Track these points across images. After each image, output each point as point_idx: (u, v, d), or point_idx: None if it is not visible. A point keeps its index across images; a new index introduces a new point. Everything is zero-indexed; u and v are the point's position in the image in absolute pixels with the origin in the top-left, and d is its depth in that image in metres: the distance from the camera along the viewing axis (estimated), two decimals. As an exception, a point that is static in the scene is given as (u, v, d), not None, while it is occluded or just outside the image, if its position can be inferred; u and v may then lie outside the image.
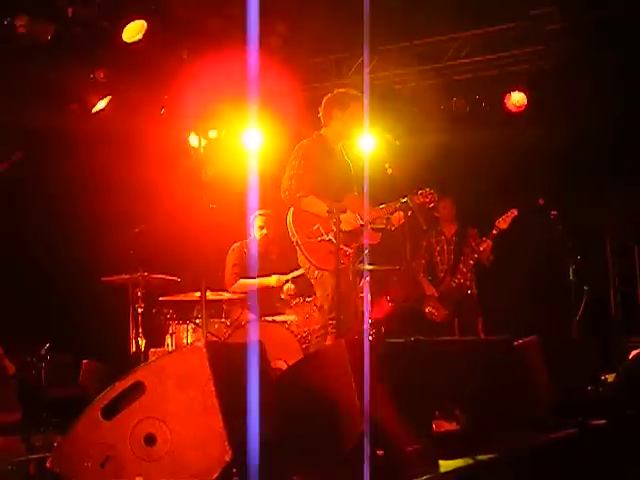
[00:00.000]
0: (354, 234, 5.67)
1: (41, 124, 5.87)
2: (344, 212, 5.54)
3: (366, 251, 5.79)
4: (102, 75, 5.15)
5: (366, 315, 6.31)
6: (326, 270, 5.57)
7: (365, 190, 5.32)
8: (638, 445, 4.73)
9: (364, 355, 4.25)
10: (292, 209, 5.63)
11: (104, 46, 6.46)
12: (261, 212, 7.29)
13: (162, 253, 7.40)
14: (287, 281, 7.13)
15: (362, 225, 5.65)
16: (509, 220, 7.54)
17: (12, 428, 4.76)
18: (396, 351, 4.75)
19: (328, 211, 5.36)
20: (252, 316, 7.06)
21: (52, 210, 6.35)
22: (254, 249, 7.40)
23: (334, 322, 5.46)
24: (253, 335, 6.10)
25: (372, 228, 5.79)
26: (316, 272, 5.63)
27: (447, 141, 8.33)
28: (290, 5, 7.14)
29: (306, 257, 5.62)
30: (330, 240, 5.50)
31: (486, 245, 7.63)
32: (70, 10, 6.14)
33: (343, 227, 5.45)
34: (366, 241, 5.69)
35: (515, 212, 7.52)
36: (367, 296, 6.59)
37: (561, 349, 5.55)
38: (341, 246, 5.46)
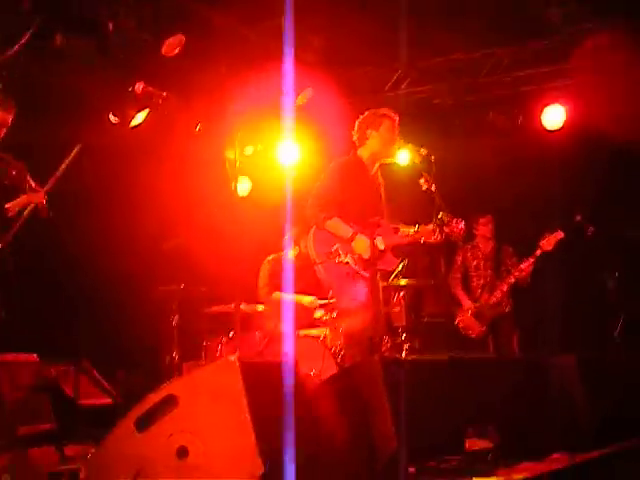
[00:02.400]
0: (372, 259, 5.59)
1: (79, 137, 5.93)
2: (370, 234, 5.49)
3: (400, 265, 5.78)
4: (141, 88, 5.19)
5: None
6: (343, 292, 5.58)
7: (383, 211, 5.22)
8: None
9: (398, 372, 4.24)
10: (314, 227, 5.62)
11: (143, 60, 6.53)
12: (298, 229, 7.28)
13: (197, 266, 7.43)
14: (319, 305, 7.10)
15: (382, 250, 5.60)
16: (554, 242, 7.45)
17: (47, 438, 4.79)
18: (430, 368, 4.73)
19: (354, 233, 5.36)
20: (286, 329, 7.05)
21: (90, 222, 6.42)
22: (289, 263, 7.39)
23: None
24: (288, 349, 6.09)
25: (395, 253, 5.74)
26: (330, 292, 5.63)
27: (485, 157, 8.29)
28: (326, 19, 7.15)
29: (323, 277, 5.61)
30: (347, 263, 5.48)
31: (527, 265, 7.56)
32: (111, 24, 6.21)
33: (361, 253, 5.45)
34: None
35: (561, 234, 7.43)
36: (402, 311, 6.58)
37: (599, 368, 5.47)
38: (359, 270, 5.46)
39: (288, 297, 7.14)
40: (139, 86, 5.20)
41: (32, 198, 5.40)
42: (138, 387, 6.61)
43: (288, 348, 6.13)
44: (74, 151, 5.44)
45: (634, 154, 7.78)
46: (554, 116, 8.20)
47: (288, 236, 7.34)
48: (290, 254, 7.43)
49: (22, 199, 5.40)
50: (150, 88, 5.23)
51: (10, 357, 5.43)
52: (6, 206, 5.40)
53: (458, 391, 4.67)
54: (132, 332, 7.59)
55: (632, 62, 7.37)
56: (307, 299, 7.18)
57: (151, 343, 7.21)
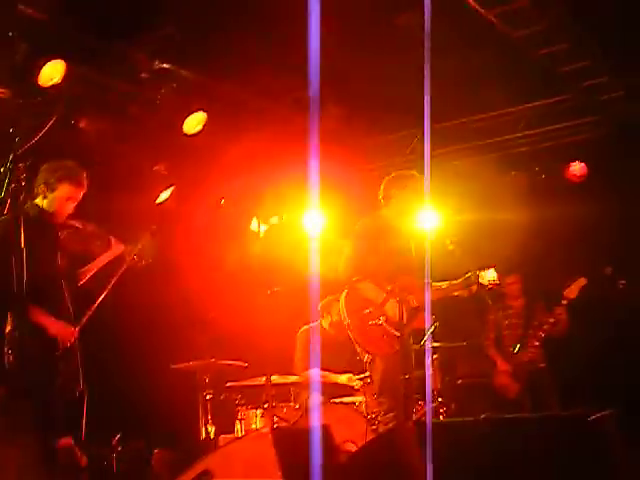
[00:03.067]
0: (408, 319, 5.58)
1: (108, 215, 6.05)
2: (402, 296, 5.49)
3: (433, 327, 5.75)
4: (164, 167, 5.30)
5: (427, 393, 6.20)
6: (376, 354, 5.57)
7: (427, 269, 5.30)
8: None
9: (433, 436, 4.18)
10: (345, 292, 5.64)
11: (165, 138, 6.65)
12: (330, 298, 7.29)
13: (229, 339, 7.44)
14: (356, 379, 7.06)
15: (415, 308, 5.59)
16: (577, 289, 7.42)
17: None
18: (466, 430, 4.66)
19: (387, 296, 5.36)
20: (319, 398, 7.00)
21: (120, 295, 6.45)
22: (317, 334, 7.37)
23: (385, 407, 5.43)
24: (317, 418, 6.04)
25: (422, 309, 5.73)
26: (366, 356, 5.62)
27: (509, 215, 8.30)
28: (346, 86, 7.26)
29: (356, 341, 5.62)
30: (381, 325, 5.48)
31: (560, 314, 7.50)
32: (132, 109, 6.36)
33: (394, 316, 5.45)
34: (428, 321, 5.62)
35: (584, 281, 7.41)
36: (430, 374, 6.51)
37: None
38: (392, 330, 5.45)
39: (324, 374, 7.09)
40: (161, 167, 5.29)
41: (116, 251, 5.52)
42: (176, 464, 6.56)
43: (318, 417, 6.07)
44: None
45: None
46: (576, 170, 8.22)
47: (318, 306, 7.34)
48: (324, 323, 7.43)
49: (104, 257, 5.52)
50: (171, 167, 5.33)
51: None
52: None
53: (496, 452, 4.60)
54: (167, 407, 7.56)
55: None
56: (343, 377, 7.14)
57: (187, 417, 7.17)
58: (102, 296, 5.41)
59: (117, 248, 5.62)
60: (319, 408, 6.62)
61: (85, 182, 5.33)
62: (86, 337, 5.31)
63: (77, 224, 5.46)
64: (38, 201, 5.25)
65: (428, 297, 5.61)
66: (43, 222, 5.23)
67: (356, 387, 6.96)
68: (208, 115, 6.84)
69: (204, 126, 6.74)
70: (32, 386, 4.83)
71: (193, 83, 6.82)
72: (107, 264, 5.60)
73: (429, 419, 6.39)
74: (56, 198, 5.24)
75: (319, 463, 3.52)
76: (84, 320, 5.32)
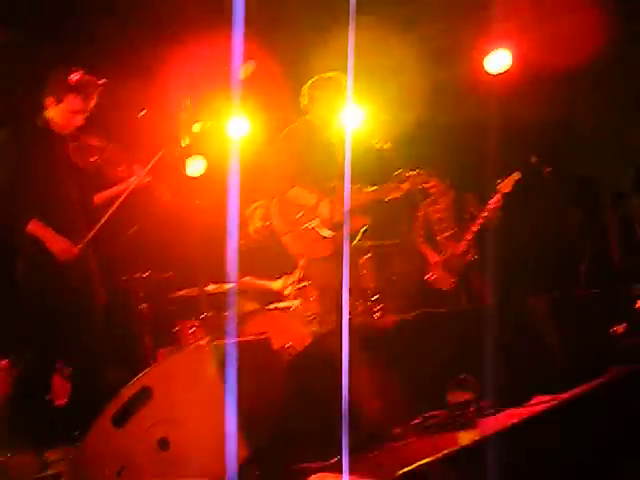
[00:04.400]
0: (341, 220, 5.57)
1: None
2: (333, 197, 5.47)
3: (363, 229, 5.75)
4: (76, 78, 5.09)
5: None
6: (312, 257, 5.57)
7: (347, 172, 5.25)
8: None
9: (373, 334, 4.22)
10: (275, 200, 5.59)
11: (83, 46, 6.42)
12: (261, 203, 7.21)
13: (159, 252, 7.33)
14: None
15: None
16: (511, 184, 7.49)
17: (24, 445, 4.72)
18: (403, 327, 4.73)
19: (318, 199, 5.33)
20: (254, 306, 7.00)
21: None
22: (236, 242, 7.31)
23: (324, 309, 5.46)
24: (257, 326, 6.05)
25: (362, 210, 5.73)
26: (301, 260, 5.62)
27: (433, 113, 8.22)
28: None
29: (290, 246, 5.60)
30: (314, 228, 5.47)
31: (490, 208, 7.56)
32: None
33: (327, 217, 5.42)
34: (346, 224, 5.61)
35: (518, 175, 7.47)
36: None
37: (571, 306, 5.52)
38: (328, 233, 5.43)
39: (258, 283, 7.07)
40: (74, 76, 5.09)
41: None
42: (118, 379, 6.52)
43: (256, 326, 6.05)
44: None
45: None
46: (498, 60, 8.12)
47: (250, 212, 7.26)
48: (250, 230, 7.37)
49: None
50: (86, 77, 5.13)
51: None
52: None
53: (434, 345, 4.69)
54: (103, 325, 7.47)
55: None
56: (277, 284, 7.13)
57: (123, 333, 7.11)
58: (105, 217, 5.27)
59: (142, 176, 5.45)
60: (255, 315, 6.63)
61: (95, 93, 5.23)
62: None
63: (94, 141, 5.34)
64: (46, 113, 5.20)
65: (347, 196, 5.59)
66: (49, 134, 5.17)
67: (286, 293, 6.97)
68: (129, 21, 6.61)
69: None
70: (39, 294, 5.00)
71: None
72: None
73: (366, 319, 6.47)
74: (63, 110, 5.17)
75: (258, 373, 3.52)
76: (86, 239, 5.19)
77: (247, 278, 7.20)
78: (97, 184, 5.54)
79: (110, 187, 5.56)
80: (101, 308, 5.41)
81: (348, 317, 5.13)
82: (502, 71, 7.95)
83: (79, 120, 5.28)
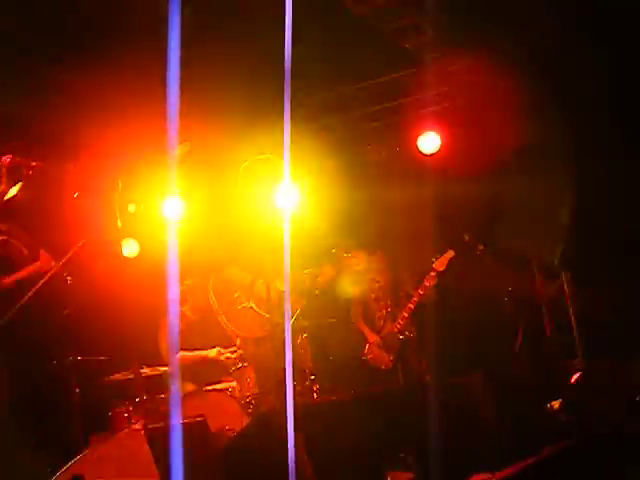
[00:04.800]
0: (277, 301, 5.60)
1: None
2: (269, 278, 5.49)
3: (297, 312, 5.76)
4: (7, 161, 5.07)
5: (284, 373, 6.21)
6: (248, 337, 5.56)
7: (286, 252, 5.25)
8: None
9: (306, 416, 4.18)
10: (212, 279, 5.60)
11: (8, 132, 6.39)
12: (188, 282, 7.16)
13: (93, 335, 7.20)
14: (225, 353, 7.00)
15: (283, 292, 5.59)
16: (446, 261, 7.59)
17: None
18: (339, 407, 4.70)
19: (254, 278, 5.35)
20: (193, 387, 6.90)
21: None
22: (176, 321, 7.24)
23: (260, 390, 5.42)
24: (194, 408, 5.94)
25: (297, 293, 5.75)
26: (238, 340, 5.61)
27: (369, 193, 8.34)
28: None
29: (227, 325, 5.59)
30: (251, 307, 5.48)
31: (425, 287, 7.64)
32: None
33: (263, 296, 5.43)
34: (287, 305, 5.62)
35: (452, 253, 7.58)
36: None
37: (507, 382, 5.56)
38: (262, 313, 5.44)
39: (192, 354, 6.99)
40: (6, 159, 5.05)
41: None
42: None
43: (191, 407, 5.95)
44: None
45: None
46: (429, 142, 8.32)
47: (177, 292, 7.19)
48: (185, 309, 7.31)
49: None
50: (18, 159, 5.10)
51: None
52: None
53: (372, 425, 4.66)
54: (34, 410, 7.26)
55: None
56: (213, 351, 7.06)
57: (54, 420, 6.91)
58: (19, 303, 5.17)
59: (46, 264, 5.38)
60: (193, 396, 6.53)
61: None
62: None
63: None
64: None
65: (287, 278, 5.59)
66: None
67: (223, 359, 6.89)
68: (55, 102, 6.59)
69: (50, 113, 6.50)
70: None
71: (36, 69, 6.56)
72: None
73: (290, 403, 6.41)
74: None
75: (195, 457, 3.45)
76: None
77: (180, 353, 7.11)
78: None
79: (15, 271, 5.48)
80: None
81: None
82: (434, 151, 8.14)
83: None
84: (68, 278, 5.59)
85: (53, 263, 5.45)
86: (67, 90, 6.83)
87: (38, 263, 5.42)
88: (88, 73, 6.75)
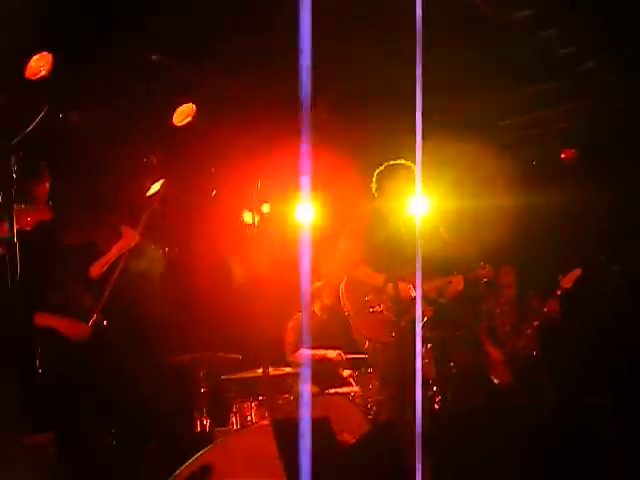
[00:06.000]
0: (406, 306, 5.57)
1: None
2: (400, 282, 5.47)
3: (424, 320, 5.72)
4: (155, 159, 5.25)
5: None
6: (377, 342, 5.55)
7: (418, 259, 5.24)
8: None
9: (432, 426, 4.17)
10: (344, 280, 5.63)
11: (156, 130, 6.59)
12: (318, 284, 7.28)
13: (223, 332, 7.38)
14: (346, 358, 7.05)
15: (413, 297, 5.57)
16: (573, 279, 7.41)
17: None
18: (464, 419, 4.66)
19: (385, 280, 5.34)
20: (313, 388, 6.97)
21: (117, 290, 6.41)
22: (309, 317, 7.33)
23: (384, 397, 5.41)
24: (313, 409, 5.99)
25: (425, 301, 5.72)
26: (366, 343, 5.61)
27: (501, 202, 8.26)
28: (335, 77, 7.20)
29: (357, 329, 5.60)
30: (382, 311, 5.47)
31: (552, 304, 7.49)
32: (121, 101, 6.30)
33: (394, 301, 5.42)
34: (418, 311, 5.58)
35: (579, 272, 7.40)
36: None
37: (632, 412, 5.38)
38: (392, 317, 5.43)
39: (313, 352, 7.07)
40: (153, 157, 5.24)
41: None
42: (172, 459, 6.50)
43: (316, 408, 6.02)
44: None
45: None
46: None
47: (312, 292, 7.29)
48: (315, 308, 7.40)
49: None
50: (162, 157, 5.28)
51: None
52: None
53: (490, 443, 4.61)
54: (162, 402, 7.49)
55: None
56: (332, 353, 7.12)
57: (182, 412, 7.11)
58: (110, 287, 5.36)
59: (131, 238, 5.56)
60: (314, 398, 6.60)
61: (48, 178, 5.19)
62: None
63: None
64: None
65: (419, 286, 5.57)
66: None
67: (344, 359, 6.93)
68: (198, 106, 6.79)
69: (193, 117, 6.69)
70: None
71: (183, 75, 6.76)
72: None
73: (419, 410, 6.38)
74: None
75: (319, 457, 3.49)
76: (96, 313, 5.27)
77: (301, 350, 7.19)
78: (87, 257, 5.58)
79: (100, 257, 5.60)
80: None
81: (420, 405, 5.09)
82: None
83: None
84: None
85: (138, 237, 5.57)
86: (208, 91, 7.05)
87: (123, 240, 5.54)
88: (233, 80, 6.97)
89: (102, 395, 5.17)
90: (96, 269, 5.53)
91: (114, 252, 5.52)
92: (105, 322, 5.32)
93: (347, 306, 5.60)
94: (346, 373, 7.12)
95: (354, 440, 5.29)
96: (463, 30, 6.58)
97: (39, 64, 5.68)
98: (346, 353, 7.09)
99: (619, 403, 5.17)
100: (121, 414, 5.50)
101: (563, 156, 8.25)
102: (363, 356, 6.48)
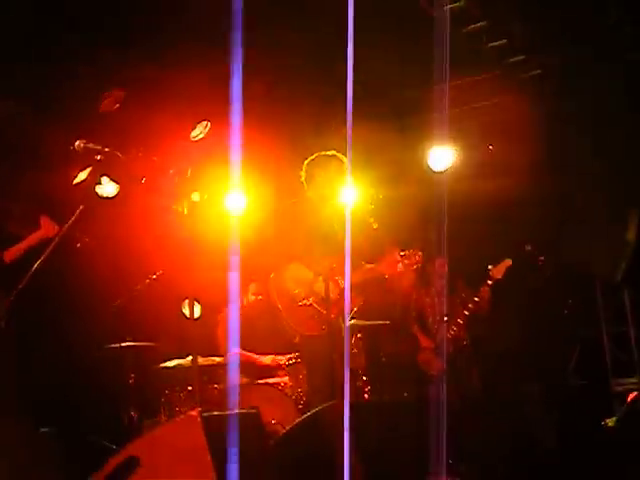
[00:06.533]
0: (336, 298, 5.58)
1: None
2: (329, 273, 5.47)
3: (354, 310, 5.75)
4: (82, 146, 5.14)
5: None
6: (307, 334, 5.56)
7: (347, 249, 5.27)
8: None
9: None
10: (273, 274, 5.62)
11: (83, 117, 6.48)
12: (254, 278, 7.23)
13: (151, 321, 7.30)
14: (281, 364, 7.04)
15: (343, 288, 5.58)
16: (503, 270, 7.51)
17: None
18: (394, 408, 4.69)
19: (315, 273, 5.34)
20: (243, 379, 6.94)
21: (42, 279, 6.30)
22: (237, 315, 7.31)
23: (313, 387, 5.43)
24: (243, 400, 5.98)
25: (355, 292, 5.73)
26: (297, 338, 5.62)
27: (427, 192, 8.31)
28: (268, 64, 7.17)
29: (287, 322, 5.60)
30: (311, 305, 5.48)
31: (484, 294, 7.57)
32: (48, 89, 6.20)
33: (323, 294, 5.43)
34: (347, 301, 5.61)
35: (509, 262, 7.50)
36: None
37: (562, 397, 5.50)
38: (321, 310, 5.44)
39: (249, 355, 7.03)
40: (80, 143, 5.13)
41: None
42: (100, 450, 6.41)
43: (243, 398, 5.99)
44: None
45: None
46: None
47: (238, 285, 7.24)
48: (244, 303, 7.36)
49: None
50: (91, 145, 5.18)
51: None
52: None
53: (420, 430, 4.65)
54: (89, 394, 7.38)
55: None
56: (268, 358, 7.08)
57: (108, 403, 7.01)
58: (26, 278, 5.28)
59: (50, 228, 5.51)
60: (244, 389, 6.57)
61: None
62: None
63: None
64: None
65: (348, 276, 5.59)
66: None
67: (282, 363, 6.91)
68: (125, 92, 6.69)
69: (121, 104, 6.59)
70: None
71: (109, 61, 6.66)
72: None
73: (347, 400, 6.41)
74: None
75: (249, 448, 3.47)
76: (7, 302, 5.17)
77: (236, 350, 7.15)
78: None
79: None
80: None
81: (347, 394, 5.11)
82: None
83: None
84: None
85: (57, 227, 5.55)
86: (138, 80, 6.95)
87: (41, 230, 5.53)
88: (160, 64, 6.88)
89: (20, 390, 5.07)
90: (9, 254, 5.49)
91: (30, 240, 5.48)
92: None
93: (276, 300, 5.59)
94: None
95: (284, 430, 5.29)
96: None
97: None
98: (277, 354, 7.05)
99: (547, 390, 5.26)
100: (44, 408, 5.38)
101: (490, 147, 8.34)
102: (297, 360, 6.50)
